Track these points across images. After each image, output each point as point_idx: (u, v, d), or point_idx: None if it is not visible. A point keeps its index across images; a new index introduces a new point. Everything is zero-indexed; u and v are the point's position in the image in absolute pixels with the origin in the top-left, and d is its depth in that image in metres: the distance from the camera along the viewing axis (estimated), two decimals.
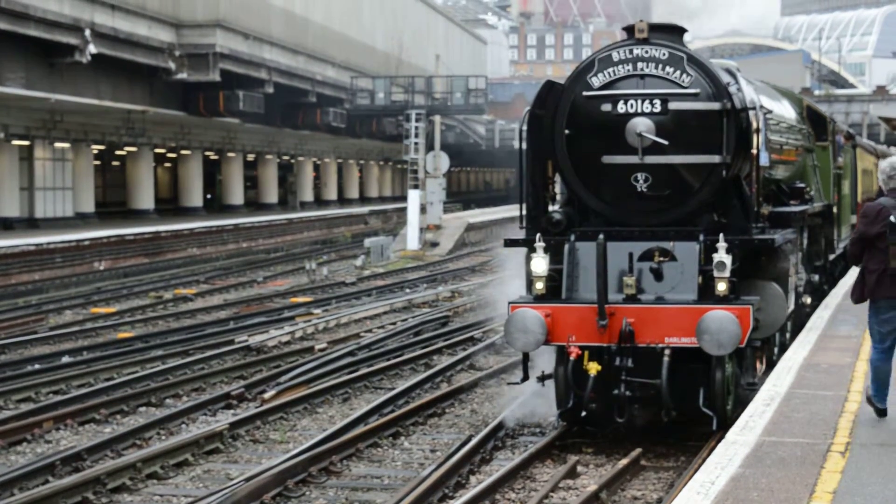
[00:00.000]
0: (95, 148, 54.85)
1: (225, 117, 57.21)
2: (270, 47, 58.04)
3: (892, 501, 8.55)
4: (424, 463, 13.90)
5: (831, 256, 21.85)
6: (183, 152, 62.85)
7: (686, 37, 14.81)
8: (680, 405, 13.41)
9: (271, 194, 73.11)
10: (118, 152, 59.90)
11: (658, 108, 13.83)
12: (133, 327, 26.25)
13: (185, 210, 61.96)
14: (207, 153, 65.78)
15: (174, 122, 57.82)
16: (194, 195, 63.54)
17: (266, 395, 17.63)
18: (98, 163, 59.34)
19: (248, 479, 12.67)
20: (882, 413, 10.99)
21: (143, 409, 17.40)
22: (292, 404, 16.93)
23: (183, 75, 50.55)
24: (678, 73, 13.90)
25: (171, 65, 49.96)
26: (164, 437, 15.31)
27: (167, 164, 69.13)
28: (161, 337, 24.19)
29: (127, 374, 19.63)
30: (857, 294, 11.00)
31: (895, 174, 10.88)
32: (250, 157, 71.27)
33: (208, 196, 67.33)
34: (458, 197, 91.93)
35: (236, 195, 68.36)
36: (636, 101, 13.89)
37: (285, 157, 76.13)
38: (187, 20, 51.20)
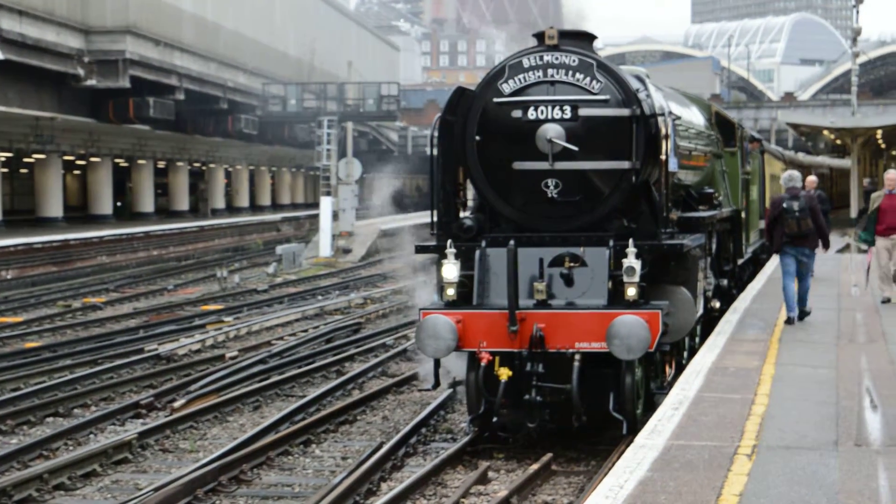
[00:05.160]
0: (2, 155, 54.20)
1: (135, 124, 56.70)
2: (181, 53, 57.61)
3: (797, 503, 8.64)
4: (336, 470, 13.83)
5: (740, 261, 22.06)
6: (92, 159, 62.25)
7: (597, 43, 14.89)
8: (590, 410, 13.45)
9: (182, 202, 72.64)
10: (26, 159, 59.22)
11: (568, 115, 13.89)
12: (41, 337, 25.91)
13: (95, 218, 61.36)
14: (117, 160, 65.22)
15: (83, 129, 57.23)
16: (104, 203, 62.94)
17: (176, 404, 17.48)
18: (5, 170, 58.64)
19: (156, 489, 12.55)
20: (790, 321, 17.82)
21: (50, 419, 17.16)
22: (202, 413, 16.80)
23: (92, 82, 50.03)
24: (588, 79, 13.97)
25: (80, 71, 49.43)
26: (71, 448, 15.11)
27: (76, 172, 68.43)
28: (69, 346, 23.88)
29: (34, 385, 19.37)
30: (770, 246, 18.73)
31: (791, 178, 17.94)
32: (161, 164, 70.77)
33: (118, 204, 66.72)
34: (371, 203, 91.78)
35: (147, 203, 67.83)
36: (546, 107, 13.94)
37: (196, 164, 75.69)
38: (97, 26, 50.68)
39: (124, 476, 13.89)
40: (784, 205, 17.57)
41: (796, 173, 18.29)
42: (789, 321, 17.86)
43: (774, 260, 27.56)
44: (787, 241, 17.76)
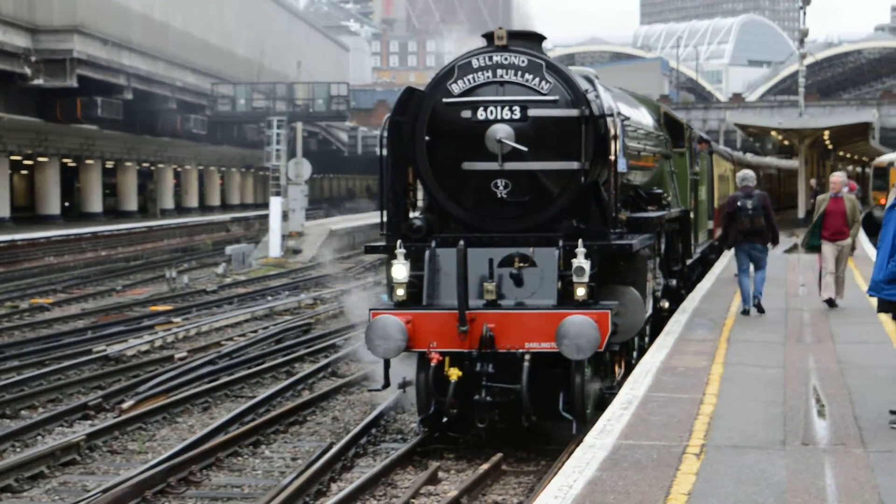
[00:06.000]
0: None
1: (83, 124, 56.36)
2: (129, 53, 57.34)
3: (745, 502, 8.69)
4: (285, 471, 13.80)
5: (688, 261, 22.15)
6: (40, 159, 61.81)
7: (546, 44, 14.92)
8: (540, 410, 13.48)
9: (131, 202, 72.26)
10: None
11: (517, 115, 13.91)
12: None
13: (43, 218, 60.94)
14: (65, 160, 64.79)
15: (30, 129, 56.82)
16: (52, 203, 62.53)
17: (124, 406, 17.38)
18: None
19: (105, 491, 12.48)
20: (746, 312, 19.01)
21: None
22: (151, 414, 16.71)
23: (39, 81, 49.73)
24: (537, 80, 13.99)
25: (27, 70, 49.12)
26: (18, 450, 15.00)
27: (24, 172, 67.88)
28: (17, 347, 23.68)
29: None
30: (723, 243, 20.13)
31: (745, 178, 19.22)
32: (109, 164, 70.35)
33: (66, 204, 66.29)
34: (321, 203, 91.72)
35: (95, 203, 67.43)
36: (496, 107, 13.95)
37: (145, 164, 75.29)
38: (44, 25, 50.38)
39: (72, 478, 13.80)
40: (738, 203, 18.94)
41: (750, 173, 19.45)
42: (745, 312, 19.08)
43: (723, 260, 27.77)
44: (740, 238, 19.01)
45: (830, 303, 19.93)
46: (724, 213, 19.60)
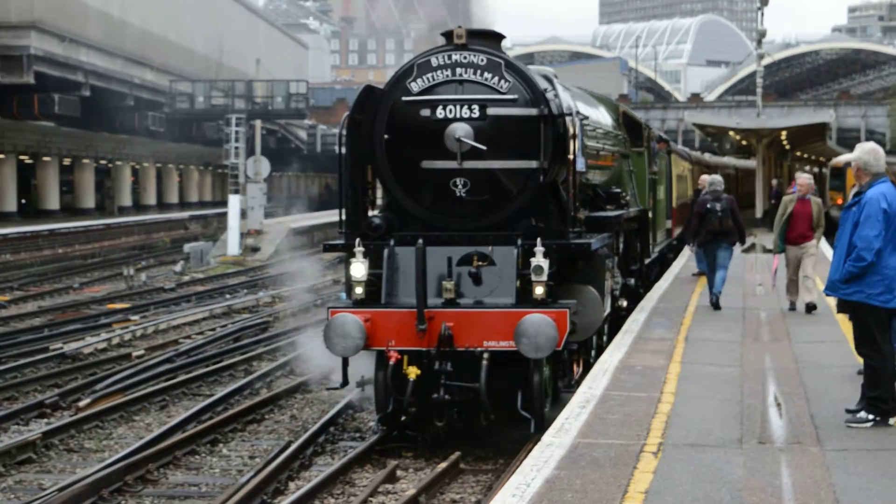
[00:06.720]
0: None
1: (40, 121, 56.02)
2: (87, 50, 57.01)
3: (702, 500, 8.73)
4: (243, 470, 13.76)
5: (647, 260, 22.24)
6: None
7: (505, 43, 14.94)
8: (499, 408, 13.49)
9: (88, 199, 71.90)
10: None
11: (476, 114, 13.91)
12: None
13: None
14: (22, 157, 64.39)
15: None
16: (8, 200, 62.13)
17: (81, 404, 17.29)
18: None
19: (61, 490, 12.41)
20: (713, 300, 20.06)
21: None
22: (108, 412, 16.62)
23: None
24: (496, 78, 14.00)
25: None
26: None
27: None
28: None
29: None
30: (692, 241, 21.26)
31: (714, 182, 20.64)
32: (66, 161, 69.97)
33: (23, 201, 65.89)
34: (280, 201, 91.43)
35: (52, 200, 67.05)
36: (455, 106, 13.95)
37: (103, 162, 74.92)
38: (0, 21, 50.03)
39: (28, 476, 13.72)
40: (708, 206, 20.20)
41: (718, 178, 21.00)
42: (714, 301, 20.24)
43: (681, 259, 27.88)
44: (709, 238, 20.26)
45: (793, 306, 19.80)
46: (694, 214, 20.89)
